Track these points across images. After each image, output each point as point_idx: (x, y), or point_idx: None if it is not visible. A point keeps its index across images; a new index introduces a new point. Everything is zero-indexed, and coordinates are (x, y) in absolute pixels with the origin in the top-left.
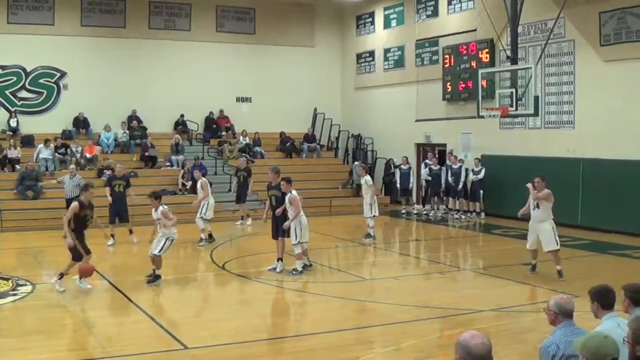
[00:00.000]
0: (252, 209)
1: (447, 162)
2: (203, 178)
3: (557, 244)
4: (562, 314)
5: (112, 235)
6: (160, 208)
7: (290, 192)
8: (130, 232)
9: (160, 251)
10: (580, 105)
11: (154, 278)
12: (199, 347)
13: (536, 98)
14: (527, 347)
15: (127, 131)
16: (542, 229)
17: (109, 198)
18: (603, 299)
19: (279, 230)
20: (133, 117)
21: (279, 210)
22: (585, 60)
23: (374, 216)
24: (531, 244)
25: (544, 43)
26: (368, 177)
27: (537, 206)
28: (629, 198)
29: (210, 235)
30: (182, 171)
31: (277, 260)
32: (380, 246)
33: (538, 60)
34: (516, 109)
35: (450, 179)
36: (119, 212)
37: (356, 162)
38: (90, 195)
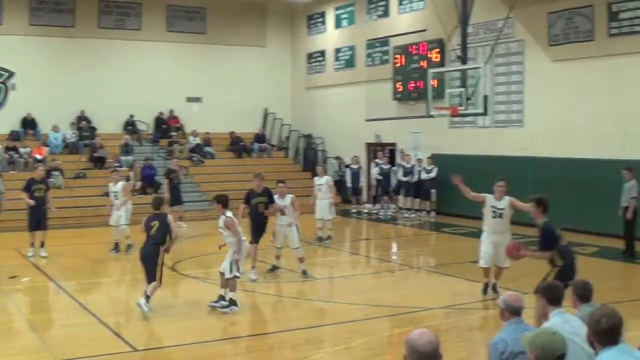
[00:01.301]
0: (202, 209)
1: (399, 161)
2: (124, 181)
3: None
4: (509, 311)
5: (32, 244)
6: (222, 217)
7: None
8: (42, 244)
9: (231, 272)
10: (529, 104)
11: (228, 303)
12: (148, 349)
13: (485, 97)
14: (476, 344)
15: (76, 132)
16: (504, 241)
17: (28, 202)
18: (551, 295)
19: (258, 235)
20: (82, 118)
21: (273, 211)
22: (534, 60)
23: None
24: (491, 261)
25: (493, 43)
26: (329, 177)
27: (500, 215)
28: (577, 196)
29: (116, 245)
30: (131, 172)
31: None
32: (331, 245)
33: (487, 60)
34: (465, 109)
35: (403, 177)
36: (38, 219)
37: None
38: None
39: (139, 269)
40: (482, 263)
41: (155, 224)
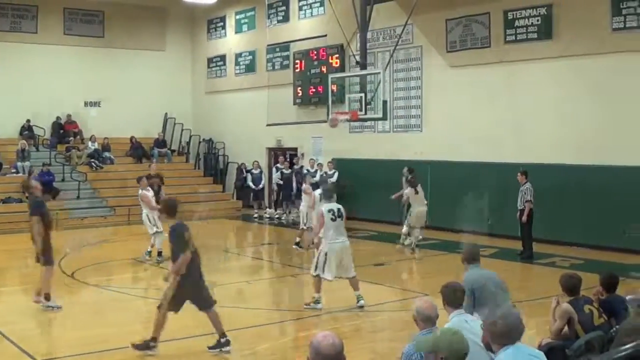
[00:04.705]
0: (102, 216)
1: (302, 165)
2: None
3: None
4: (421, 319)
5: None
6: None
7: None
8: None
9: None
10: (427, 109)
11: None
12: (49, 359)
13: (384, 102)
14: (379, 345)
15: None
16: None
17: None
18: (450, 297)
19: None
20: None
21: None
22: (433, 65)
23: None
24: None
25: (392, 49)
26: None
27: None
28: (475, 198)
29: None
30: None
31: None
32: (233, 251)
33: (387, 66)
34: (365, 113)
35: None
36: None
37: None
38: None
39: (38, 276)
40: (332, 277)
41: None
